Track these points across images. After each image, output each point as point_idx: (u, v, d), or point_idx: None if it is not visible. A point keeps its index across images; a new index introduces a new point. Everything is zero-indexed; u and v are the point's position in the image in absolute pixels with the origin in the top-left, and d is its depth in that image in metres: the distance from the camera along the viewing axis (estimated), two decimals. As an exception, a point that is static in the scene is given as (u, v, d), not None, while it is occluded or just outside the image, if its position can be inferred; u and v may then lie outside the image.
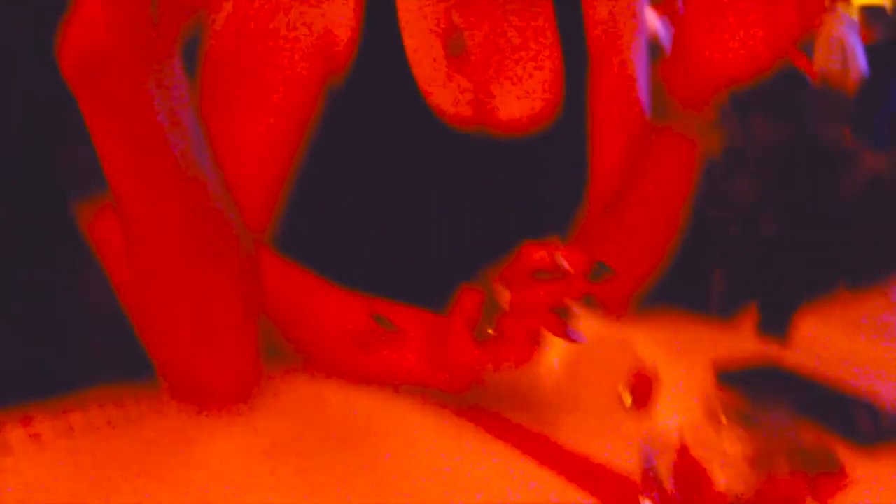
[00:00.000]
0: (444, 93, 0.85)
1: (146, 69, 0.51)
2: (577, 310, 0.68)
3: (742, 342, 0.95)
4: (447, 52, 0.86)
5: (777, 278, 1.09)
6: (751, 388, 0.82)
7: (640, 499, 0.58)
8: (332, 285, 0.77)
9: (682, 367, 0.86)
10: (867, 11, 6.19)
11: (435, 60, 0.85)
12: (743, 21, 0.77)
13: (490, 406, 0.74)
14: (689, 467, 0.60)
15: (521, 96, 0.90)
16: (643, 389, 0.78)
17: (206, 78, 0.78)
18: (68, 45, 0.49)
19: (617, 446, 0.66)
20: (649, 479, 0.58)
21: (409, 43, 0.84)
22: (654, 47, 3.79)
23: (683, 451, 0.61)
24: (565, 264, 0.66)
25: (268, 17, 0.78)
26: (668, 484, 0.58)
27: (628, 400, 0.77)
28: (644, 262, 0.94)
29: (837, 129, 1.30)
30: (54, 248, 0.73)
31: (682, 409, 0.75)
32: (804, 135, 1.16)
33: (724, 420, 0.70)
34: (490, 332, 0.66)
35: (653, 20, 5.83)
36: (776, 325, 1.09)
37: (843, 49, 5.07)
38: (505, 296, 0.66)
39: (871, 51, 5.31)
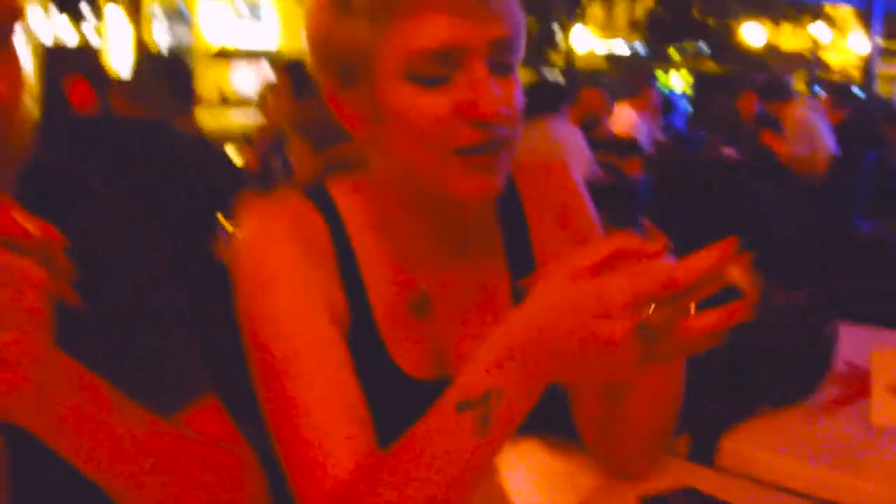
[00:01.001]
0: (411, 353, 1.00)
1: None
2: None
3: (670, 468, 1.12)
4: (413, 313, 1.01)
5: (703, 406, 1.26)
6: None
7: None
8: None
9: (610, 499, 1.04)
10: (833, 92, 6.51)
11: (401, 324, 1.00)
12: None
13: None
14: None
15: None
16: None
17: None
18: None
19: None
20: None
21: (377, 307, 0.99)
22: (631, 143, 4.05)
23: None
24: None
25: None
26: None
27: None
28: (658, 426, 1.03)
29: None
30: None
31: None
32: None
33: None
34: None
35: (630, 116, 6.12)
36: (705, 449, 1.27)
37: (810, 133, 5.32)
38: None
39: (839, 129, 5.59)
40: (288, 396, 0.89)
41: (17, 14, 0.75)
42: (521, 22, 0.96)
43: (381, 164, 1.00)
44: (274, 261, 0.94)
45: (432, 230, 1.01)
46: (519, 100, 0.95)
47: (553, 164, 1.13)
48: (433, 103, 0.90)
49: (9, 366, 0.62)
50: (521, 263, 1.07)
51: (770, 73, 10.65)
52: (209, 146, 2.84)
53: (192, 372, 0.91)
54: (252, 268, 0.95)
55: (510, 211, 1.07)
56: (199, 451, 0.84)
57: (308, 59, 0.99)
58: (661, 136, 6.79)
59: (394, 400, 0.93)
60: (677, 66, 29.72)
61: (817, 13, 24.05)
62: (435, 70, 0.90)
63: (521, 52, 0.96)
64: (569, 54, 21.39)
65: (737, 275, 0.72)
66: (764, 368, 1.33)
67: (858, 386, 1.32)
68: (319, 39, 0.97)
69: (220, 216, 2.91)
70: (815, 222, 3.55)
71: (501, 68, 0.93)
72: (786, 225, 3.05)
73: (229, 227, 3.03)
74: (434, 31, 0.89)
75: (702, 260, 0.71)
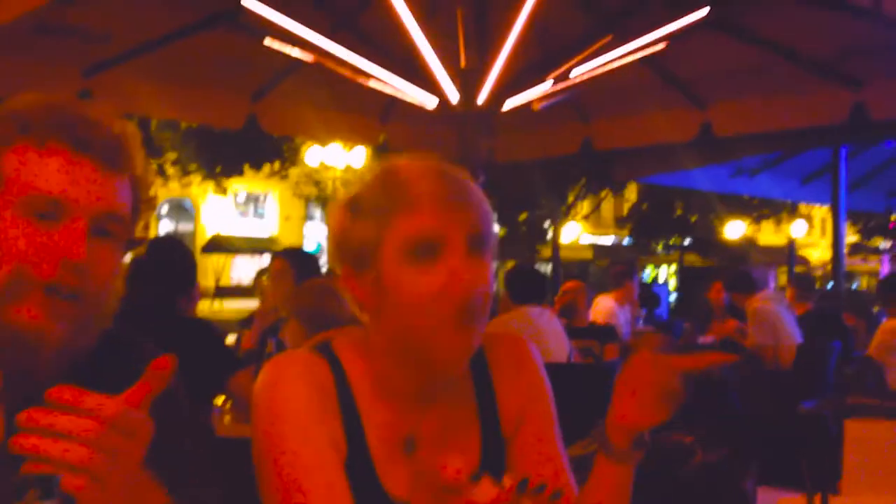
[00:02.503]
0: (398, 480, 1.23)
1: None
2: None
3: None
4: (402, 450, 1.25)
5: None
6: None
7: None
8: None
9: None
10: (798, 285, 6.91)
11: (392, 457, 1.24)
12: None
13: None
14: None
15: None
16: None
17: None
18: None
19: None
20: None
21: (371, 441, 1.23)
22: (609, 331, 4.29)
23: None
24: None
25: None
26: None
27: None
28: None
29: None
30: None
31: None
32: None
33: None
34: None
35: (608, 305, 6.44)
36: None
37: (773, 323, 5.62)
38: None
39: (804, 319, 5.90)
40: None
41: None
42: (491, 219, 1.24)
43: (380, 332, 1.25)
44: (287, 397, 1.19)
45: (419, 385, 1.26)
46: (490, 279, 1.22)
47: (514, 338, 1.40)
48: (425, 281, 1.17)
49: (96, 481, 0.85)
50: (489, 414, 1.33)
51: (744, 266, 11.12)
52: (209, 328, 3.09)
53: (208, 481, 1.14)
54: (268, 401, 1.20)
55: (480, 372, 1.33)
56: None
57: (326, 250, 1.28)
58: (640, 326, 7.11)
59: None
60: (663, 259, 30.72)
61: (794, 212, 25.26)
62: (425, 250, 1.16)
63: (493, 241, 1.24)
64: (555, 246, 22.31)
65: None
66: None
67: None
68: (338, 236, 1.24)
69: (214, 394, 3.12)
70: (770, 403, 3.76)
71: (477, 252, 1.20)
72: (744, 406, 3.28)
73: (220, 404, 3.23)
74: (422, 225, 1.17)
75: None
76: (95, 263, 1.05)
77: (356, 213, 1.21)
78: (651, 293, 9.81)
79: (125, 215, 1.10)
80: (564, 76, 4.18)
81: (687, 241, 27.38)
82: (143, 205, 1.14)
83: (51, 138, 1.04)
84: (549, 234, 23.79)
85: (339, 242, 1.24)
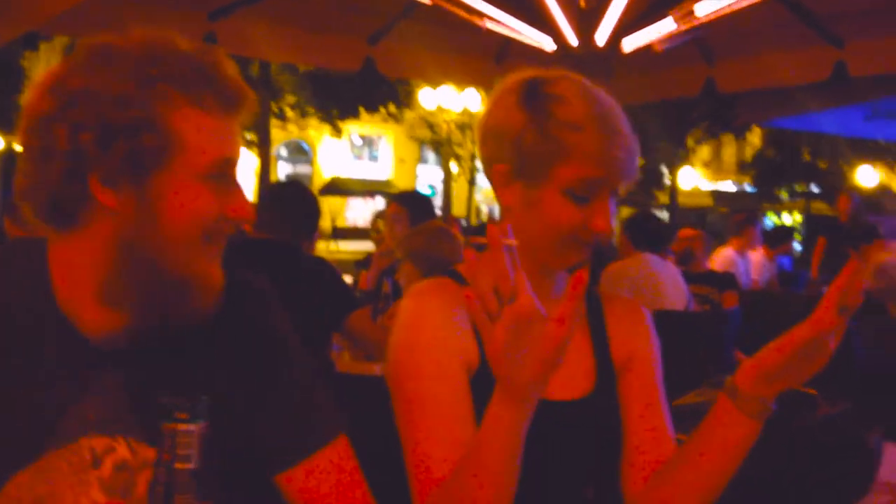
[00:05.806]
0: None
1: None
2: None
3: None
4: None
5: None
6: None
7: None
8: None
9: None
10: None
11: None
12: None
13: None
14: None
15: (567, 385, 1.34)
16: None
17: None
18: None
19: None
20: None
21: None
22: (728, 279, 4.20)
23: None
24: None
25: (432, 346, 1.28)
26: None
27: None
28: None
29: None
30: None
31: None
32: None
33: None
34: None
35: (728, 253, 6.27)
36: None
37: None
38: None
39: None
40: (415, 420, 1.26)
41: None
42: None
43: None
44: (424, 322, 1.31)
45: (538, 285, 1.30)
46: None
47: (633, 301, 1.51)
48: (574, 215, 1.29)
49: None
50: (601, 347, 1.43)
51: (876, 216, 10.56)
52: (329, 268, 3.17)
53: (330, 416, 1.21)
54: (407, 325, 1.31)
55: (596, 318, 1.45)
56: None
57: (486, 147, 1.35)
58: (756, 275, 6.89)
59: None
60: (787, 207, 29.47)
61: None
62: (584, 192, 1.29)
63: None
64: (673, 192, 21.74)
65: None
66: (811, 475, 1.49)
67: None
68: (511, 132, 1.31)
69: (333, 331, 3.21)
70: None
71: (615, 196, 1.34)
72: (870, 360, 3.15)
73: (338, 340, 3.32)
74: (595, 172, 1.28)
75: None
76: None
77: (540, 124, 1.28)
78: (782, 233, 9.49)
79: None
80: (689, 14, 4.01)
81: (815, 189, 26.15)
82: None
83: (207, 98, 1.07)
84: (667, 180, 23.16)
85: (511, 139, 1.30)
